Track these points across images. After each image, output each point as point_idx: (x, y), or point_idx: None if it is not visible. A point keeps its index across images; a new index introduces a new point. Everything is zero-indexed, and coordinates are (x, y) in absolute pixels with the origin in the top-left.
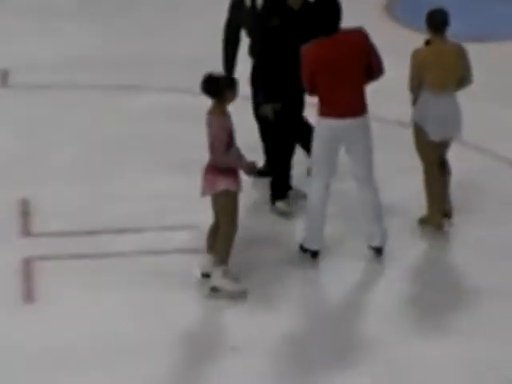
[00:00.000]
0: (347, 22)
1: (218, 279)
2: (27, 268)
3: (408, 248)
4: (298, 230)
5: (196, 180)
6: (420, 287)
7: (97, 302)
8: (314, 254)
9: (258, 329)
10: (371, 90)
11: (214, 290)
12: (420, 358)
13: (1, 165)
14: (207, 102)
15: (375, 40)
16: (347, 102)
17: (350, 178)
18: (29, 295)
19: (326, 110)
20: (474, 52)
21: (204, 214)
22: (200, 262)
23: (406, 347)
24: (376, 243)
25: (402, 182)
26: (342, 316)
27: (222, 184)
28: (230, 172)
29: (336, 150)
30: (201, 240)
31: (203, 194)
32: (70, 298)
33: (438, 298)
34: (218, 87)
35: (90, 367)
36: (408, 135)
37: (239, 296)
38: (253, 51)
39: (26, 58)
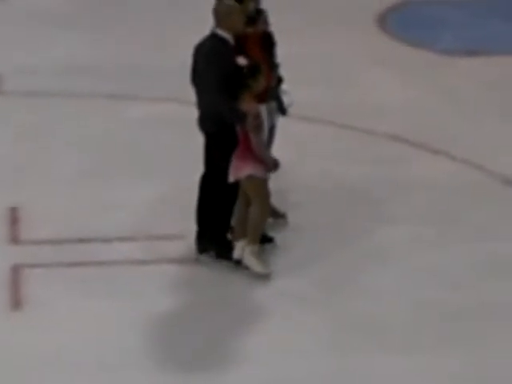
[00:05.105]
0: (340, 35)
1: (247, 256)
2: (15, 275)
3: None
4: None
5: (187, 189)
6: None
7: (84, 310)
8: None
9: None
10: (372, 105)
11: (238, 263)
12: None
13: None
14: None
15: (369, 54)
16: None
17: None
18: (17, 302)
19: None
20: (473, 66)
21: (193, 224)
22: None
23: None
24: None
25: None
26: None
27: (247, 170)
28: (256, 159)
29: None
30: (190, 249)
31: (228, 178)
32: (58, 305)
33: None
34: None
35: (77, 374)
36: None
37: (263, 278)
38: None
39: (20, 65)
